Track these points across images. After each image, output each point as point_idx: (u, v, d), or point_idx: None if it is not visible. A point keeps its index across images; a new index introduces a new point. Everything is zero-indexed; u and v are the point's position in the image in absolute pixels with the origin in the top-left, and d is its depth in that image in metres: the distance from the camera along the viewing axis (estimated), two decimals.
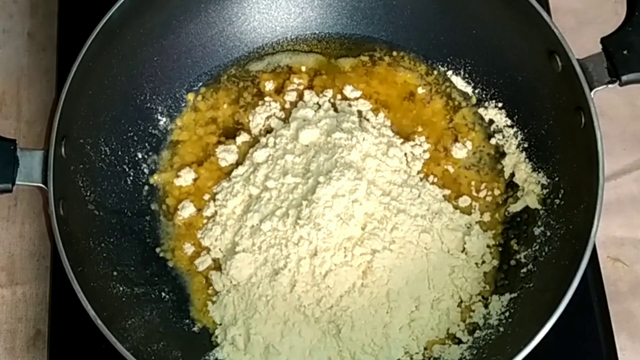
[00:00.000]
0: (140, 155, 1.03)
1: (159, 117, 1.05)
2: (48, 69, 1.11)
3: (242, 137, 1.04)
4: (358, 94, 1.06)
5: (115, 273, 0.95)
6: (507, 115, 1.03)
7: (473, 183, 1.01)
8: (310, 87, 1.07)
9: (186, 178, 1.02)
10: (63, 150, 0.92)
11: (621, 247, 1.05)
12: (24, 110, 1.11)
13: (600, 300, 0.99)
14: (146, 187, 1.03)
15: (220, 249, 0.99)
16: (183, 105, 1.06)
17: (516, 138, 1.02)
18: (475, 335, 0.94)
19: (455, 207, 0.99)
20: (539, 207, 0.97)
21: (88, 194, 0.96)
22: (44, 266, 1.04)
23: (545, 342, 0.86)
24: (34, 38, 1.15)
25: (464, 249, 0.97)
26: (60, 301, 0.99)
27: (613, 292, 1.01)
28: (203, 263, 0.99)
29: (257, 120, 1.04)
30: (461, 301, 0.95)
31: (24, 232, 1.06)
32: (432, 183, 1.00)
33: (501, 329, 0.94)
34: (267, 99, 1.06)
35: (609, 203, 1.04)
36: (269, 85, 1.07)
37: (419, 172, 1.01)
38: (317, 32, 1.09)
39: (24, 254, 1.06)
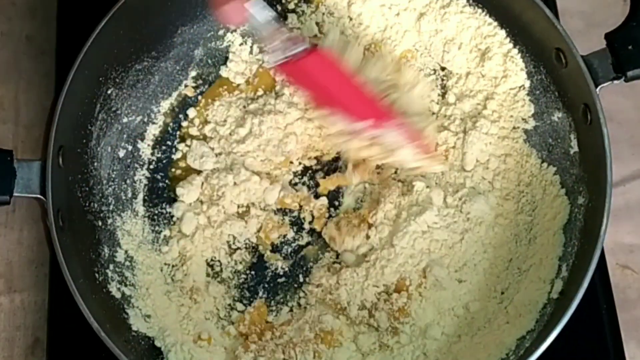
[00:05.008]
0: None
1: None
2: (47, 72, 1.10)
3: None
4: None
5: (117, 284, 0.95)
6: None
7: None
8: None
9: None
10: (60, 160, 0.91)
11: (630, 254, 1.04)
12: (22, 114, 1.10)
13: (609, 308, 0.98)
14: None
15: None
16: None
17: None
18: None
19: None
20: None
21: (87, 204, 0.96)
22: (43, 273, 1.03)
23: (554, 349, 0.86)
24: (33, 41, 1.14)
25: None
26: (59, 309, 0.98)
27: (622, 300, 1.00)
28: None
29: None
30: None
31: (22, 238, 1.05)
32: None
33: None
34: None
35: (618, 209, 1.03)
36: None
37: None
38: None
39: (22, 261, 1.04)
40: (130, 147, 1.02)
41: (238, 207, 0.99)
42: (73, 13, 1.10)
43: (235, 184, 0.99)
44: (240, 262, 0.98)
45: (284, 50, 0.87)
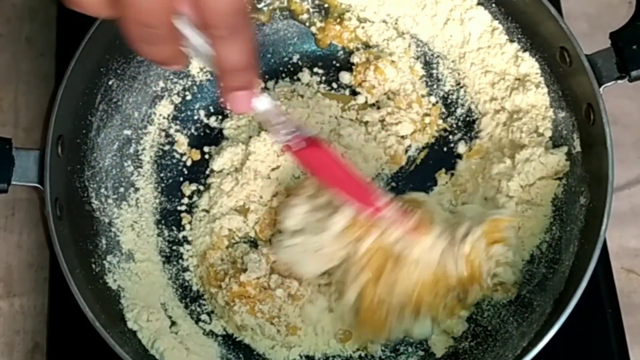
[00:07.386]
0: None
1: None
2: (47, 75, 1.09)
3: None
4: None
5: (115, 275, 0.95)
6: None
7: None
8: None
9: None
10: (59, 149, 0.91)
11: (635, 258, 1.04)
12: (21, 117, 1.10)
13: (614, 313, 0.98)
14: None
15: None
16: None
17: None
18: (479, 339, 0.94)
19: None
20: None
21: (85, 194, 0.96)
22: (42, 277, 1.02)
23: (558, 354, 0.86)
24: (33, 43, 1.13)
25: None
26: (59, 313, 0.98)
27: (627, 305, 1.00)
28: None
29: None
30: None
31: (22, 242, 1.05)
32: None
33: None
34: None
35: (622, 213, 1.03)
36: None
37: None
38: None
39: (21, 265, 1.04)
40: (130, 140, 1.01)
41: (236, 202, 0.99)
42: (73, 15, 1.07)
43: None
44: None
45: (284, 135, 0.84)
